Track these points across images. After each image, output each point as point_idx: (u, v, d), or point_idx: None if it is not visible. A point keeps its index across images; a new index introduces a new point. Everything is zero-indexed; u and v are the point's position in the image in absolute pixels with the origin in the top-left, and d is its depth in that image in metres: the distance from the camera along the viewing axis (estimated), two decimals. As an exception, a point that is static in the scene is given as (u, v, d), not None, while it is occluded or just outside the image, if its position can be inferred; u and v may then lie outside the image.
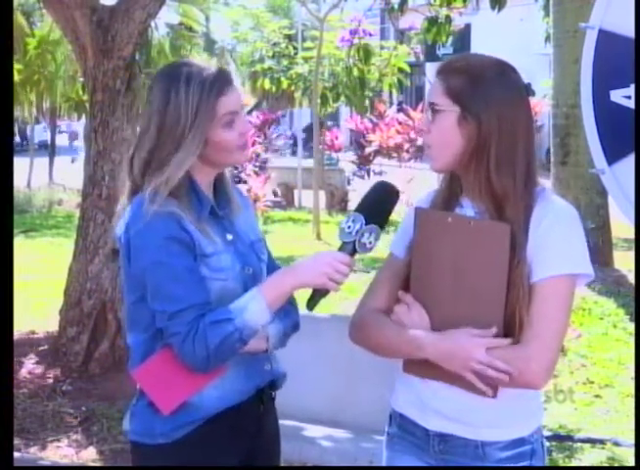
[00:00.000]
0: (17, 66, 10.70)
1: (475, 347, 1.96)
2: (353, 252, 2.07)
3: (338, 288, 2.09)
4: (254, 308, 2.07)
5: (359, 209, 2.09)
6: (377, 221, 2.07)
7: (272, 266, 2.31)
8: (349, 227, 2.06)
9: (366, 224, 2.05)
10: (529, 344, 1.96)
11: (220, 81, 2.16)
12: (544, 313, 1.97)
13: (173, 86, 2.14)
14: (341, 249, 2.09)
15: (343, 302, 6.79)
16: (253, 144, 16.02)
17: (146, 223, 2.08)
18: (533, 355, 1.95)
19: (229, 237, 2.21)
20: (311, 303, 2.11)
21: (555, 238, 1.99)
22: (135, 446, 2.24)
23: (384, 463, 2.24)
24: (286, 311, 2.24)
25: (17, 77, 11.03)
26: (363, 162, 19.03)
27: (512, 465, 2.05)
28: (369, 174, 18.52)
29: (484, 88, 2.01)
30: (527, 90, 2.08)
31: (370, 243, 2.06)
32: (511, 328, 1.98)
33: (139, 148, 2.17)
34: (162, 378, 2.13)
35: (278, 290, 2.11)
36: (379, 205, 2.11)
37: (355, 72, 12.17)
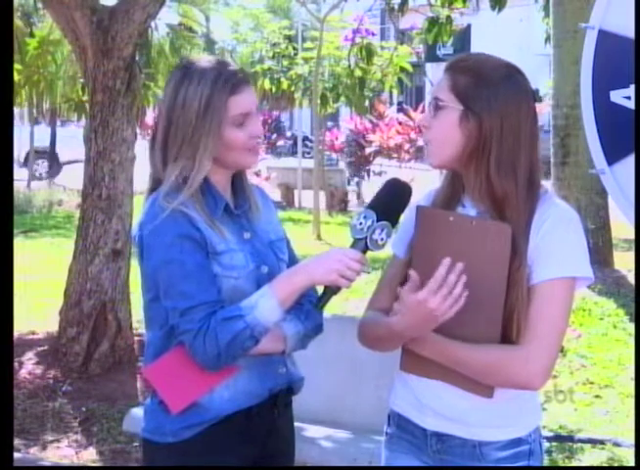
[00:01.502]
0: (16, 66, 10.68)
1: (426, 298, 1.93)
2: (365, 249, 2.06)
3: (349, 285, 2.07)
4: (265, 306, 2.07)
5: (371, 205, 2.08)
6: (389, 218, 2.05)
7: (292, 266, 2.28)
8: (361, 224, 2.05)
9: (378, 221, 2.04)
10: (528, 345, 1.96)
11: (235, 79, 2.14)
12: (544, 315, 1.97)
13: (186, 80, 2.13)
14: (352, 246, 2.08)
15: (345, 302, 6.79)
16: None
17: (158, 222, 2.09)
18: (532, 356, 1.95)
19: (246, 235, 2.21)
20: (322, 300, 2.10)
21: (556, 241, 1.99)
22: (146, 444, 2.25)
23: (382, 463, 2.24)
24: (307, 313, 2.23)
25: (16, 78, 11.00)
26: (363, 162, 19.00)
27: (510, 465, 2.05)
28: (369, 175, 18.50)
29: (489, 89, 2.00)
30: (534, 96, 2.07)
31: (382, 239, 2.05)
32: (509, 329, 1.98)
33: (155, 142, 2.17)
34: (173, 377, 2.14)
35: (289, 287, 2.09)
36: (391, 202, 2.09)
37: (357, 72, 12.16)
